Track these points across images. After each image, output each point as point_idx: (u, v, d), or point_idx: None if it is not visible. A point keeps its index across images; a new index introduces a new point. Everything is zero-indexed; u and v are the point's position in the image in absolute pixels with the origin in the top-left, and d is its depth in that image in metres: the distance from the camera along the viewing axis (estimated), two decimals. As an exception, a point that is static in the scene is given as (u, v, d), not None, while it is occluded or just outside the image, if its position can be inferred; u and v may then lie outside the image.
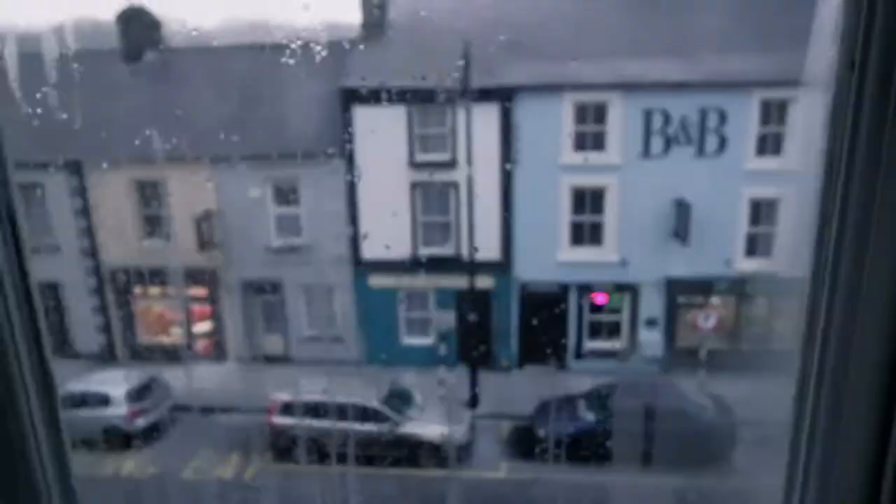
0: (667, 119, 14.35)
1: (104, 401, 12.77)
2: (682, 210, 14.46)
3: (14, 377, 1.13)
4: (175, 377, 16.00)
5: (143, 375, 13.94)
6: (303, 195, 15.58)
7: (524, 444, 12.73)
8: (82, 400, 12.77)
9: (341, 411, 12.16)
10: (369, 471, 11.61)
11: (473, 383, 14.12)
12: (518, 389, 15.09)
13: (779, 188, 15.10)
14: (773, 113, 14.32)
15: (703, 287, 15.30)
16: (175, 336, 17.25)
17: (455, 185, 14.94)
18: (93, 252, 16.34)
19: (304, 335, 16.66)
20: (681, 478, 11.55)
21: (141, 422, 12.99)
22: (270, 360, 16.89)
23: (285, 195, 15.77)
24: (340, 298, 16.17)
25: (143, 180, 15.68)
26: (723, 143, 14.29)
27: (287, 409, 12.39)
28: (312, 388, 12.77)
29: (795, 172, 14.69)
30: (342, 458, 12.38)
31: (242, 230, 15.82)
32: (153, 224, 16.24)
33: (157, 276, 16.32)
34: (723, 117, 14.18)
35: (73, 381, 13.48)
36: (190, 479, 11.77)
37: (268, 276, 16.07)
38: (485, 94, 14.10)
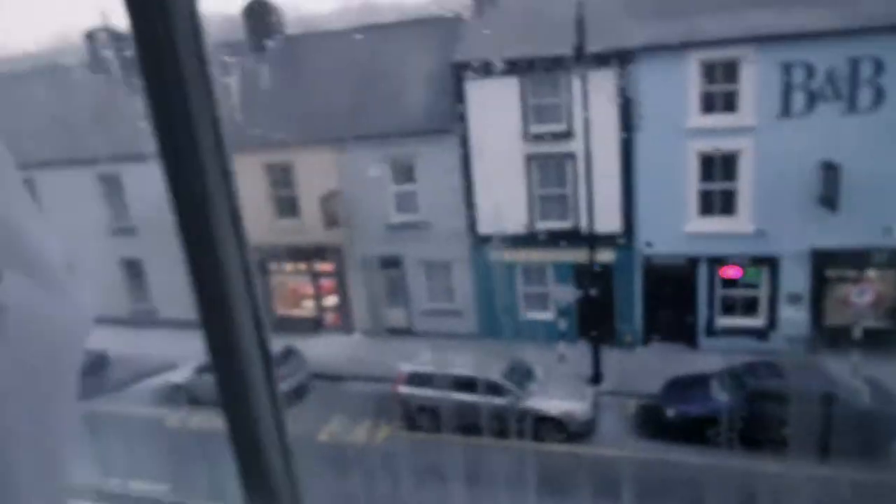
0: (810, 72, 12.83)
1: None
2: (829, 173, 12.95)
3: (244, 352, 1.32)
4: (308, 347, 17.07)
5: (280, 345, 14.99)
6: (419, 172, 15.81)
7: (651, 422, 12.18)
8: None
9: (463, 383, 12.33)
10: (492, 442, 11.72)
11: (596, 360, 13.74)
12: (643, 367, 14.44)
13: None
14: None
15: (856, 259, 13.65)
16: (307, 309, 18.37)
17: (572, 156, 14.43)
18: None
19: (425, 308, 17.06)
20: (828, 468, 10.52)
21: (282, 387, 13.95)
22: (394, 332, 17.51)
23: (403, 173, 16.09)
24: (459, 273, 16.33)
25: (274, 164, 16.67)
26: (879, 96, 12.58)
27: (412, 379, 12.78)
28: (435, 360, 13.08)
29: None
30: (465, 429, 12.59)
31: (364, 208, 16.39)
32: (284, 205, 17.27)
33: (289, 253, 17.41)
34: (879, 66, 12.45)
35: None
36: (326, 442, 12.58)
37: (389, 252, 16.58)
38: (601, 59, 13.36)
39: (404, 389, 12.76)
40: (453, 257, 16.07)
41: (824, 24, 12.57)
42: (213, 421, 13.32)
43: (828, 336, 14.42)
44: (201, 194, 1.14)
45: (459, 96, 14.88)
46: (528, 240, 15.24)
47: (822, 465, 10.55)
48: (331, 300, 17.80)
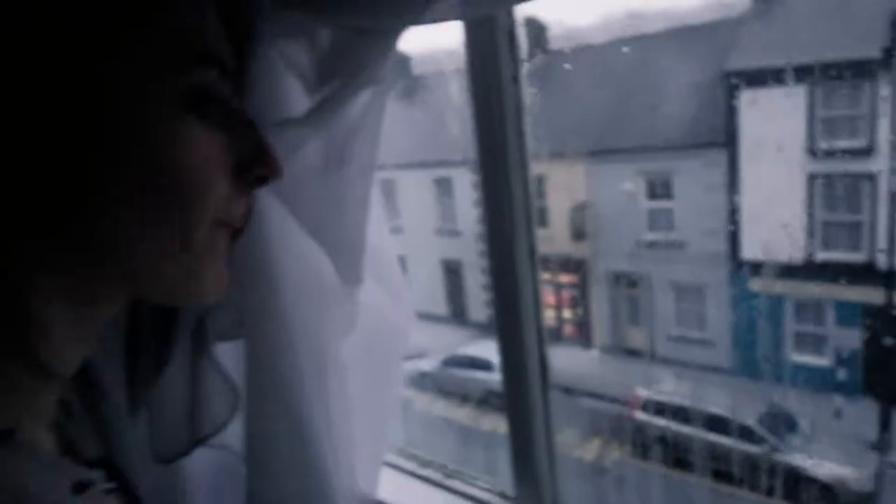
0: None
1: (487, 366, 14.73)
2: None
3: (527, 354, 1.56)
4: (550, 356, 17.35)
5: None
6: (677, 188, 14.93)
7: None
8: (470, 363, 15.03)
9: (707, 420, 11.28)
10: (734, 490, 10.51)
11: (885, 422, 11.34)
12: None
13: None
14: None
15: None
16: (547, 318, 18.66)
17: (871, 177, 12.15)
18: (482, 237, 18.88)
19: (670, 333, 16.01)
20: None
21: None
22: (633, 353, 16.80)
23: (658, 188, 15.38)
24: (714, 299, 14.97)
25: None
26: None
27: (649, 406, 12.13)
28: (677, 390, 12.22)
29: None
30: (703, 470, 11.53)
31: (613, 222, 16.06)
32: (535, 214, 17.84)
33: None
34: None
35: (464, 345, 15.95)
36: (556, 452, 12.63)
37: (636, 270, 15.97)
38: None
39: (640, 415, 12.16)
40: (708, 282, 14.78)
41: None
42: (453, 411, 14.43)
43: None
44: (507, 203, 1.36)
45: (730, 108, 13.65)
46: (803, 271, 13.24)
47: None
48: (571, 312, 17.83)
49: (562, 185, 17.64)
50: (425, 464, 2.45)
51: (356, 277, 1.40)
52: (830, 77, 12.40)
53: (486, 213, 1.24)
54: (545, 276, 19.71)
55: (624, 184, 15.84)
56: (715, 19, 16.79)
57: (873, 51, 10.48)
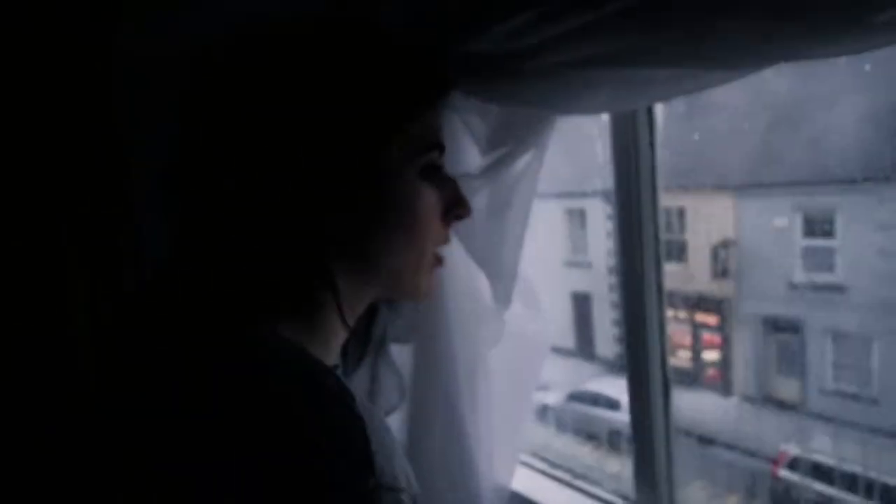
0: None
1: (614, 405, 14.36)
2: None
3: (652, 389, 1.79)
4: (678, 400, 16.54)
5: (649, 390, 14.99)
6: (839, 226, 13.76)
7: None
8: (594, 399, 14.74)
9: (864, 485, 10.17)
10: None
11: None
12: None
13: None
14: None
15: None
16: (682, 359, 17.81)
17: None
18: (612, 269, 18.55)
19: (827, 387, 14.58)
20: None
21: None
22: (780, 405, 15.49)
23: (817, 225, 14.25)
24: (882, 351, 13.50)
25: (666, 207, 16.80)
26: None
27: (796, 464, 11.16)
28: (831, 450, 11.13)
29: None
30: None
31: (762, 261, 15.06)
32: (671, 248, 17.24)
33: (671, 298, 17.28)
34: None
35: (591, 380, 15.71)
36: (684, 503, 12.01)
37: (787, 314, 14.79)
38: None
39: (785, 474, 11.21)
40: (877, 331, 13.37)
41: None
42: (572, 447, 14.19)
43: None
44: (638, 237, 1.60)
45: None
46: None
47: None
48: (710, 355, 16.85)
49: (705, 220, 16.88)
50: (555, 466, 2.71)
51: (507, 300, 1.72)
52: None
53: (619, 246, 1.44)
54: (681, 314, 19.14)
55: (776, 219, 14.86)
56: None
57: None
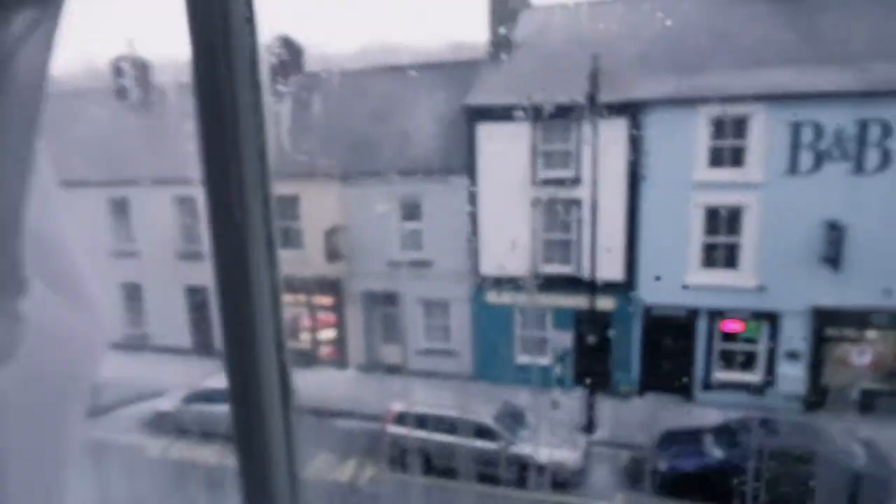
0: (818, 132, 13.30)
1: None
2: (834, 233, 13.30)
3: (264, 384, 1.28)
4: (300, 380, 17.32)
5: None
6: (426, 211, 16.36)
7: (642, 476, 12.24)
8: (216, 397, 14.11)
9: (454, 425, 12.52)
10: (479, 488, 11.84)
11: (590, 408, 13.91)
12: (638, 417, 14.45)
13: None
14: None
15: (857, 319, 13.87)
16: (303, 341, 18.76)
17: (578, 203, 14.88)
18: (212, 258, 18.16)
19: (421, 347, 17.34)
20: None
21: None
22: (389, 369, 17.81)
23: (410, 211, 16.66)
24: (457, 313, 16.66)
25: (282, 195, 17.32)
26: (886, 159, 13.03)
27: (402, 419, 13.00)
28: (426, 401, 13.30)
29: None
30: (453, 473, 12.73)
31: (368, 243, 16.92)
32: (288, 235, 17.88)
33: (289, 283, 17.92)
34: (887, 129, 12.96)
35: (212, 377, 15.05)
36: (308, 479, 12.69)
37: (389, 289, 17.01)
38: (613, 109, 13.79)
39: (393, 429, 12.94)
40: (453, 297, 16.43)
41: (835, 86, 13.04)
42: (193, 451, 13.49)
43: (825, 395, 14.56)
44: (242, 222, 1.17)
45: (471, 139, 15.51)
46: (529, 284, 15.63)
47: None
48: (328, 334, 18.18)
49: (317, 206, 18.01)
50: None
51: (15, 283, 1.01)
52: (548, 117, 15.03)
53: (214, 236, 1.06)
54: (300, 297, 19.92)
55: (378, 206, 16.84)
56: (458, 59, 18.99)
57: (580, 97, 12.99)
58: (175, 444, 13.90)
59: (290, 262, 18.42)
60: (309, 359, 18.30)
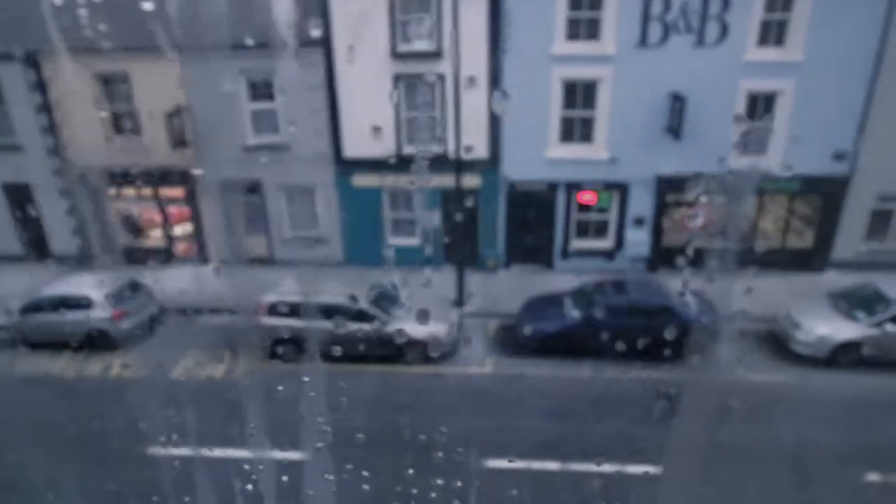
0: (667, 4, 13.67)
1: (86, 303, 12.88)
2: (677, 104, 14.12)
3: None
4: (158, 279, 16.10)
5: (124, 278, 13.92)
6: (279, 89, 15.01)
7: (510, 341, 13.05)
8: (62, 302, 12.84)
9: (328, 311, 12.42)
10: (358, 368, 12.06)
11: (460, 283, 14.40)
12: (505, 288, 15.27)
13: (779, 81, 14.81)
14: (779, -2, 13.76)
15: (694, 185, 15.33)
16: (154, 238, 17.20)
17: (441, 78, 14.41)
18: (57, 151, 15.83)
19: (287, 236, 16.65)
20: (657, 371, 12.19)
21: (126, 323, 13.05)
22: (254, 261, 17.01)
23: (261, 89, 15.18)
24: (323, 198, 16.02)
25: (106, 73, 14.93)
26: (724, 32, 13.76)
27: (274, 309, 12.62)
28: (298, 289, 12.98)
29: (797, 64, 14.28)
30: (330, 357, 12.78)
31: (216, 127, 15.34)
32: (122, 121, 15.69)
33: (130, 175, 16.01)
34: (726, 2, 13.59)
35: (52, 283, 13.54)
36: (180, 379, 12.21)
37: (246, 176, 15.76)
38: (472, -24, 13.29)
39: (266, 320, 12.60)
40: (317, 182, 15.69)
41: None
42: (42, 363, 12.35)
43: (666, 256, 16.30)
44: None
45: (324, 6, 14.09)
46: (395, 164, 15.26)
47: (652, 368, 12.17)
48: (183, 228, 16.79)
49: (153, 86, 15.74)
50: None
51: None
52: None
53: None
54: (146, 191, 18.05)
55: (224, 84, 15.09)
56: None
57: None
58: (19, 359, 12.59)
59: (127, 151, 16.38)
60: (165, 257, 16.93)
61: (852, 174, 14.80)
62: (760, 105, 14.44)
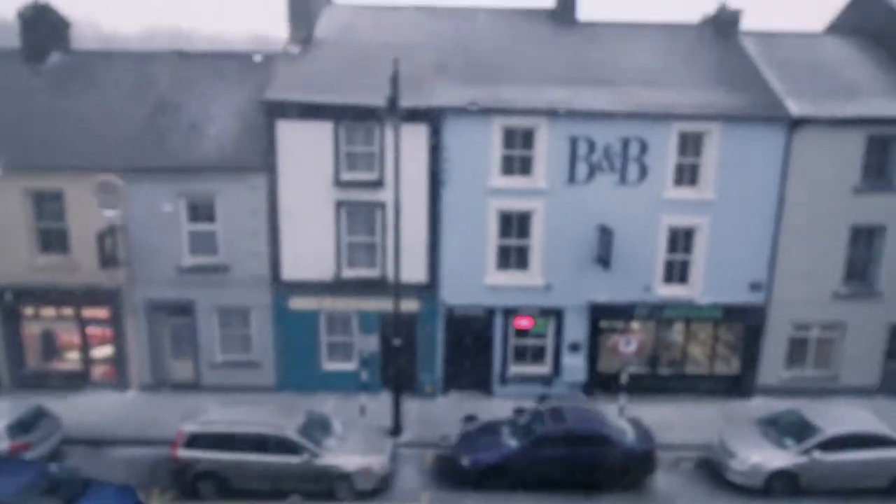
0: (591, 146, 14.76)
1: None
2: (604, 236, 14.84)
3: None
4: (70, 407, 14.70)
5: (29, 406, 12.67)
6: (220, 211, 14.87)
7: (447, 472, 12.38)
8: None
9: (254, 442, 11.51)
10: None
11: (396, 411, 13.78)
12: (443, 415, 14.71)
13: (695, 217, 15.92)
14: (690, 145, 15.10)
15: (623, 312, 15.71)
16: (71, 361, 15.91)
17: (381, 206, 14.70)
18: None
19: (217, 360, 15.75)
20: (595, 502, 11.72)
21: (29, 455, 11.83)
22: (178, 387, 15.85)
23: (201, 211, 15.01)
24: (258, 321, 15.43)
25: (40, 190, 14.51)
26: (644, 172, 14.87)
27: (194, 440, 11.59)
28: (223, 418, 12.03)
29: (710, 202, 15.49)
30: (253, 494, 11.63)
31: (151, 247, 14.90)
32: (50, 238, 15.04)
33: (51, 295, 15.06)
34: (644, 146, 14.79)
35: None
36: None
37: (178, 297, 15.12)
38: (414, 114, 13.94)
39: (184, 453, 11.51)
40: (252, 304, 15.19)
41: (603, 106, 14.65)
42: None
43: (602, 381, 16.31)
44: None
45: (271, 136, 14.44)
46: (333, 288, 15.05)
47: (590, 499, 11.69)
48: (103, 351, 15.66)
49: (87, 205, 15.26)
50: None
51: None
52: (351, 117, 14.59)
53: None
54: (66, 311, 17.07)
55: (163, 204, 14.81)
56: (257, 51, 17.65)
57: (381, 100, 12.74)
58: None
59: (54, 269, 15.58)
60: (80, 381, 15.61)
61: (768, 304, 15.60)
62: (681, 238, 15.34)
